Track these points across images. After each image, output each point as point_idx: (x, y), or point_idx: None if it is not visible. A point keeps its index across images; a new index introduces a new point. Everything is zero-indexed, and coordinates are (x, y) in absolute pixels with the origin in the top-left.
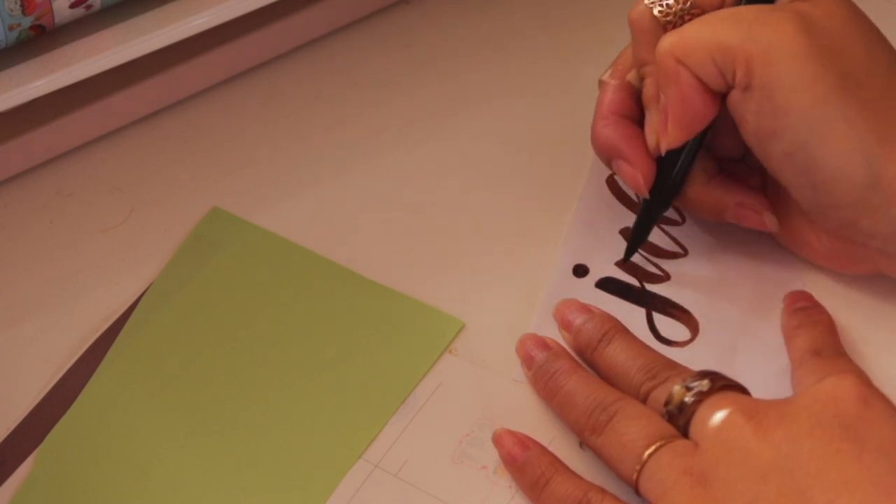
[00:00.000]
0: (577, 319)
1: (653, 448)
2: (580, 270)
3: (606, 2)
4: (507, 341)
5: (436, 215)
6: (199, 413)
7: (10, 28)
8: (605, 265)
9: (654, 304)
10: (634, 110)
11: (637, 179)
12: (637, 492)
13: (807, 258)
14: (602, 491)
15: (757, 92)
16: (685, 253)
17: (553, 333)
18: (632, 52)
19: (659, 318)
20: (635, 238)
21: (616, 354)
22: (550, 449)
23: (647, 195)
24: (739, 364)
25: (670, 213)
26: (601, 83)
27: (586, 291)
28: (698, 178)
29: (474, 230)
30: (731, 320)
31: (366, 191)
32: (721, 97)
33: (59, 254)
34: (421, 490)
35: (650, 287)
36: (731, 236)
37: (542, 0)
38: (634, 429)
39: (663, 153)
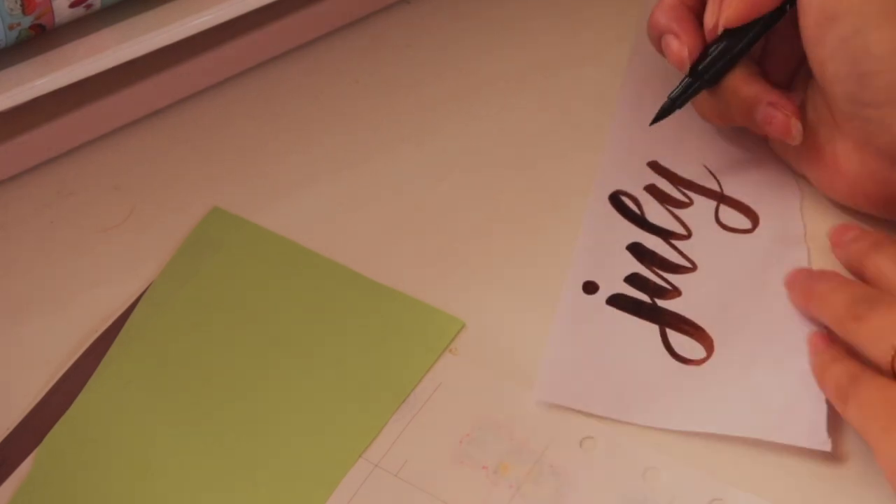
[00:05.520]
0: (847, 235)
1: None
2: (590, 287)
3: (609, 2)
4: (507, 341)
5: (436, 215)
6: (199, 413)
7: (10, 27)
8: (615, 282)
9: (667, 321)
10: (696, 4)
11: (682, 53)
12: (894, 374)
13: (833, 195)
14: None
15: None
16: (694, 267)
17: (567, 354)
18: None
19: (673, 335)
20: (664, 108)
21: (884, 261)
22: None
23: (686, 71)
24: (756, 380)
25: (677, 228)
26: None
27: (597, 308)
28: (741, 70)
29: (474, 230)
30: (746, 337)
31: (366, 190)
32: None
33: (59, 254)
34: (421, 490)
35: (661, 303)
36: (739, 250)
37: (543, 0)
38: (895, 316)
39: (720, 30)
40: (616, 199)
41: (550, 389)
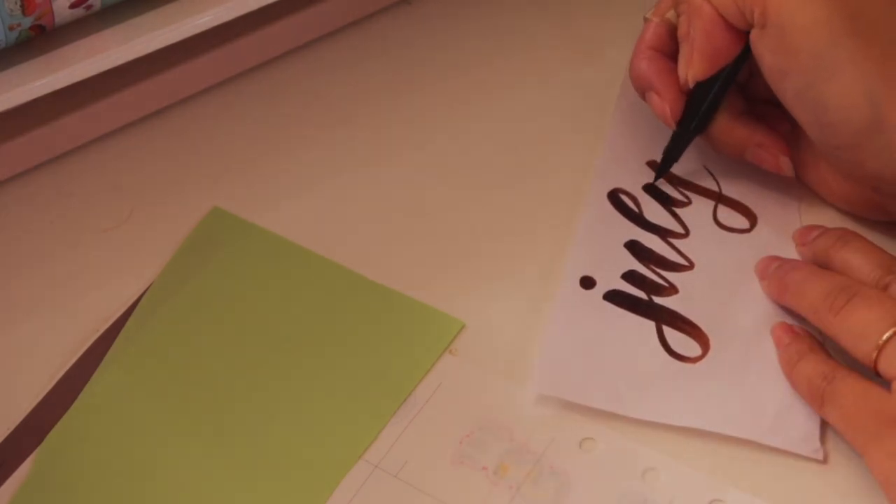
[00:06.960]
0: (812, 234)
1: (892, 331)
2: (587, 282)
3: (608, 2)
4: (507, 342)
5: (436, 215)
6: (199, 413)
7: (11, 28)
8: (612, 278)
9: (663, 317)
10: (671, 47)
11: (665, 111)
12: (876, 373)
13: (830, 201)
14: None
15: (771, 30)
16: (691, 266)
17: (563, 347)
18: None
19: (669, 332)
20: (662, 166)
21: (851, 255)
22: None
23: (673, 127)
24: (752, 381)
25: (675, 227)
26: (645, 20)
27: (594, 303)
28: (724, 115)
29: (474, 230)
30: (741, 337)
31: (366, 191)
32: (745, 35)
33: (59, 254)
34: (421, 491)
35: (658, 300)
36: (736, 249)
37: (544, 0)
38: (876, 312)
39: (691, 85)
40: (615, 197)
41: (547, 382)
